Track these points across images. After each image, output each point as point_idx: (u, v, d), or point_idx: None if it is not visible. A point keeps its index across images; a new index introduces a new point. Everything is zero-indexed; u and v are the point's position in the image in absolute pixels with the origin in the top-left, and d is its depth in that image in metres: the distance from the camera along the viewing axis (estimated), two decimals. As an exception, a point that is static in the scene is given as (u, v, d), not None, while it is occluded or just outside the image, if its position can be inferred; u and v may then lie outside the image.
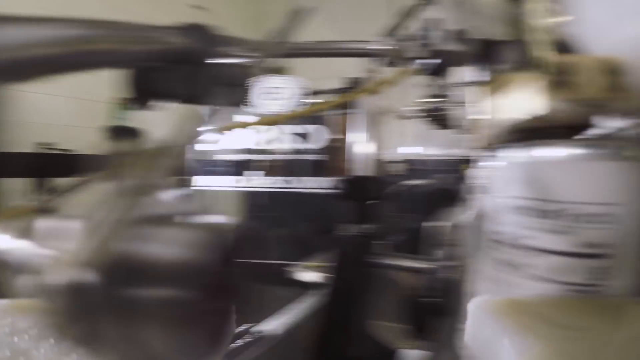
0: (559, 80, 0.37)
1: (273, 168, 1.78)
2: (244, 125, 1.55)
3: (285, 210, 1.86)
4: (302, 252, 1.42)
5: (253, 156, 1.77)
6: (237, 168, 1.77)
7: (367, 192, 0.63)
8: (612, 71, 0.37)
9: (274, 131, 1.73)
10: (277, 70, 1.90)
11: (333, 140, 1.72)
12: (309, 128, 1.70)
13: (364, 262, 0.70)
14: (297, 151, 1.72)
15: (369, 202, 0.65)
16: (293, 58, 0.73)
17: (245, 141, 1.76)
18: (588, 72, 0.37)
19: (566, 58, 0.39)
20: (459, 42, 0.50)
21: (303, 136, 1.71)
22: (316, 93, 1.55)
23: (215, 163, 1.78)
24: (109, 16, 0.27)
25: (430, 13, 0.60)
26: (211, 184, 1.76)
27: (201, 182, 1.74)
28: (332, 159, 1.73)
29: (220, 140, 1.76)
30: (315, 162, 1.72)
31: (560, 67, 0.37)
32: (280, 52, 0.56)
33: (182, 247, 0.17)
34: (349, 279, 0.74)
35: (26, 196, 1.58)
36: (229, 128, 1.73)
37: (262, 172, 1.77)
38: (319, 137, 1.71)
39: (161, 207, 0.20)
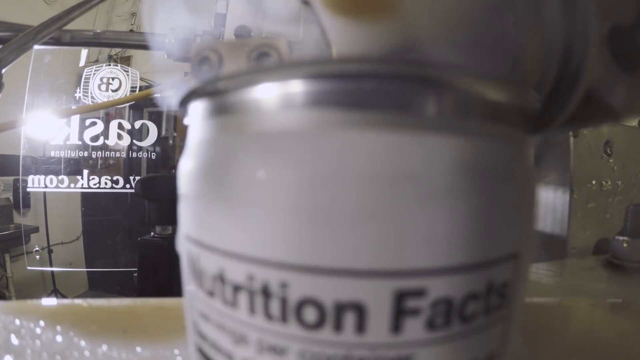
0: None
1: (106, 167, 1.62)
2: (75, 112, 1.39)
3: (120, 213, 1.70)
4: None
5: (84, 153, 1.58)
6: (69, 166, 1.57)
7: (160, 192, 0.60)
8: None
9: (99, 126, 1.56)
10: (116, 60, 1.75)
11: (172, 139, 1.64)
12: (138, 124, 1.58)
13: (164, 263, 0.66)
14: (130, 149, 1.59)
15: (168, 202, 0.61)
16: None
17: (73, 136, 1.57)
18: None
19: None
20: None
21: (132, 132, 1.59)
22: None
23: (48, 160, 1.55)
24: None
25: (221, 8, 0.59)
26: (44, 185, 1.52)
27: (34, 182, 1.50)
28: (171, 157, 1.65)
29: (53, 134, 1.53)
30: (150, 161, 1.61)
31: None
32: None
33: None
34: (150, 282, 0.69)
35: None
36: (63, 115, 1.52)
37: (94, 171, 1.59)
38: (149, 133, 1.60)
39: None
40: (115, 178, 1.58)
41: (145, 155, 1.62)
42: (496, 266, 0.08)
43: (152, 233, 0.68)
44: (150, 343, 0.18)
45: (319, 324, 0.07)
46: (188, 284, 0.10)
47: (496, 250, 0.08)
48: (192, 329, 0.10)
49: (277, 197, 0.07)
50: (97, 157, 1.60)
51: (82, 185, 1.56)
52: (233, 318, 0.08)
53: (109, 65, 1.66)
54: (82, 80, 1.62)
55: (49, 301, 0.20)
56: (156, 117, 1.62)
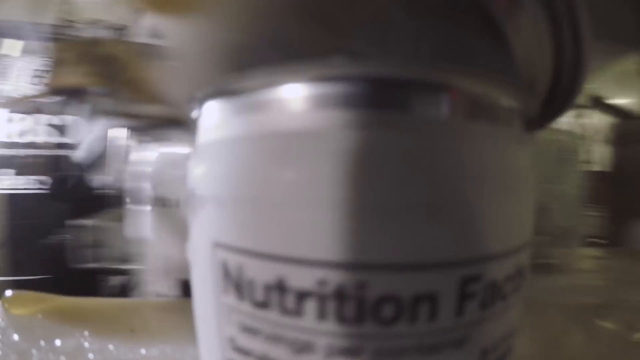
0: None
1: (32, 165, 1.47)
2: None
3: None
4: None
5: (6, 151, 1.43)
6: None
7: (73, 192, 0.56)
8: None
9: (28, 121, 1.43)
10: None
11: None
12: (68, 119, 1.46)
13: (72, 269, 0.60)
14: (59, 146, 1.47)
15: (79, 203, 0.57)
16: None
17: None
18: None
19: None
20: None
21: (61, 128, 1.47)
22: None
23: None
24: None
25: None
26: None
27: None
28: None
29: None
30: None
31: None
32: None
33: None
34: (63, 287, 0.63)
35: None
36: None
37: (19, 171, 1.45)
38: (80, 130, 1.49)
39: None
40: (42, 178, 1.45)
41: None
42: (521, 252, 0.09)
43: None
44: (157, 343, 0.17)
45: (395, 318, 0.07)
46: (221, 296, 0.09)
47: (521, 238, 0.09)
48: (222, 344, 0.09)
49: (341, 198, 0.07)
50: (23, 156, 1.46)
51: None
52: (295, 327, 0.08)
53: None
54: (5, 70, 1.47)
55: (50, 301, 0.18)
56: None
